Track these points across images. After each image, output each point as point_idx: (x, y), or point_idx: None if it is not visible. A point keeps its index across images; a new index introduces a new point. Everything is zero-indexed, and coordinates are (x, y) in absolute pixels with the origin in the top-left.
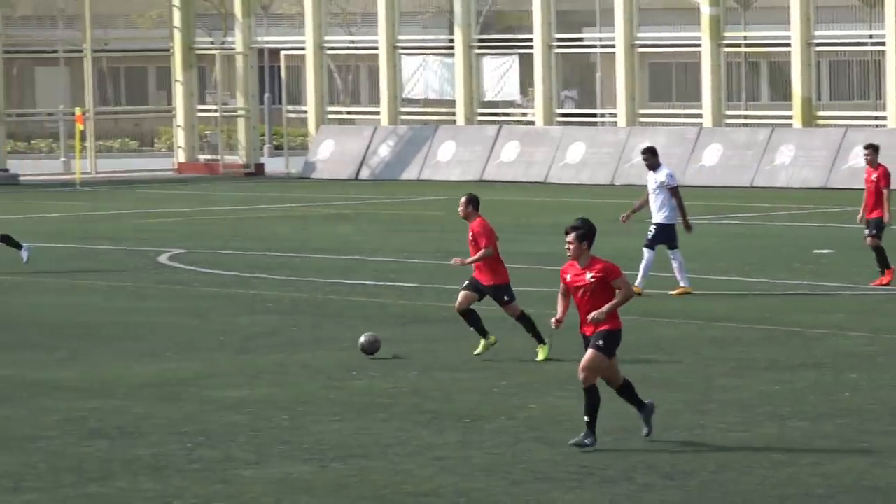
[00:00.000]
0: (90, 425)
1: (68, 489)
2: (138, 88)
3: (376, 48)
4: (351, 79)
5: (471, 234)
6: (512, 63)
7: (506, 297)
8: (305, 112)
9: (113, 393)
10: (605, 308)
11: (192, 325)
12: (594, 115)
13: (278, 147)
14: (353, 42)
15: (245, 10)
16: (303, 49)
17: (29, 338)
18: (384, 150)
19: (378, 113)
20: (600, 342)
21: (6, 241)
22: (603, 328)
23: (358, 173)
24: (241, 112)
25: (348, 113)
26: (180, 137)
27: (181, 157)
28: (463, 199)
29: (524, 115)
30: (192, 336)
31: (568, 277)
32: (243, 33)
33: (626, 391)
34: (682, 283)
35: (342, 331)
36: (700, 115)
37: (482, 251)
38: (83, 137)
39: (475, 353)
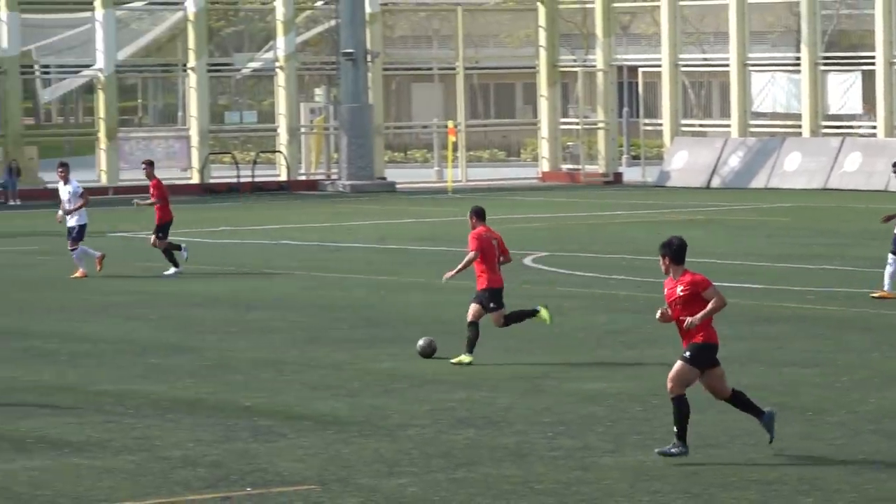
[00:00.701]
0: (458, 415)
1: (438, 474)
2: (506, 103)
3: (727, 65)
4: (703, 94)
5: None
6: (855, 79)
7: (492, 305)
8: (661, 125)
9: (479, 385)
10: (699, 315)
11: (553, 323)
12: None
13: (635, 157)
14: (705, 60)
15: (606, 31)
16: (659, 66)
17: (402, 334)
18: (734, 161)
19: (728, 126)
20: (687, 354)
21: (168, 249)
22: (696, 340)
23: (709, 182)
24: (600, 125)
25: (700, 126)
26: (544, 148)
27: (545, 166)
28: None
29: (862, 127)
30: (553, 333)
31: (665, 291)
32: (604, 52)
33: (738, 401)
34: (886, 287)
35: None
36: None
37: (466, 257)
38: (455, 148)
39: (454, 361)
